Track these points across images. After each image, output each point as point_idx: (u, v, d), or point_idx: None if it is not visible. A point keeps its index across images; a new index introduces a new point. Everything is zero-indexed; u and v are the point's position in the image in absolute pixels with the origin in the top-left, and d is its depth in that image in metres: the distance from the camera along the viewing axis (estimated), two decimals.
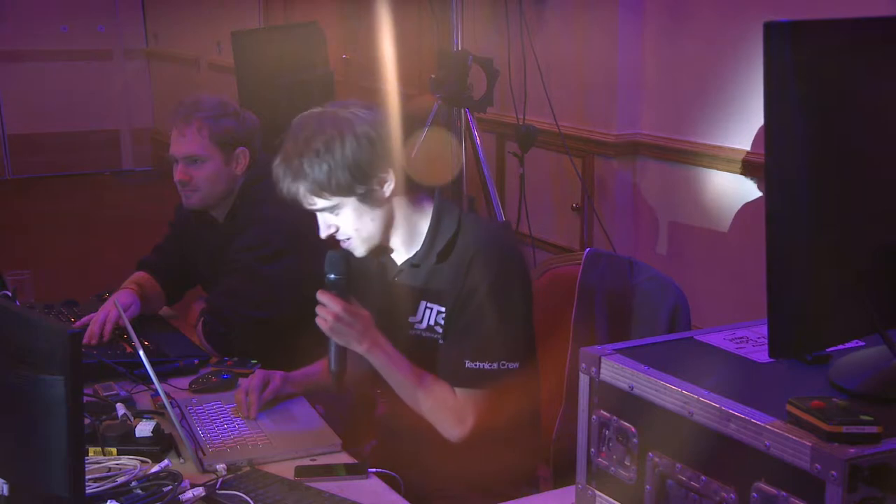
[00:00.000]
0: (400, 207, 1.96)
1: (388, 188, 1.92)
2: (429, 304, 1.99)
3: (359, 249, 1.98)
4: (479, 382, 1.91)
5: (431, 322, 1.99)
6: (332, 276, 1.97)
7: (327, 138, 1.87)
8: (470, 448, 1.95)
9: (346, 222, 1.94)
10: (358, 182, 1.88)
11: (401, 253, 2.03)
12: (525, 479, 2.08)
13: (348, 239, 1.97)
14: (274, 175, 1.95)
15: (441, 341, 1.97)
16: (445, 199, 2.02)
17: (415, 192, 1.98)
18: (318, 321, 1.92)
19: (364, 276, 2.09)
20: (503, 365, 1.91)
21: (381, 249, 2.02)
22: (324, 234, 1.97)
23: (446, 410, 1.92)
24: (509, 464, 2.01)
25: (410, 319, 2.01)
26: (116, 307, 2.46)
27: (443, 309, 1.97)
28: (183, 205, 2.66)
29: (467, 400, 1.92)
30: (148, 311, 2.67)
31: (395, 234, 1.99)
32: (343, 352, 1.96)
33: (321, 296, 1.92)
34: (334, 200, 1.91)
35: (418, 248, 1.99)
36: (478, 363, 1.90)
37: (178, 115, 2.56)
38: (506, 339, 1.92)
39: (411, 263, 2.01)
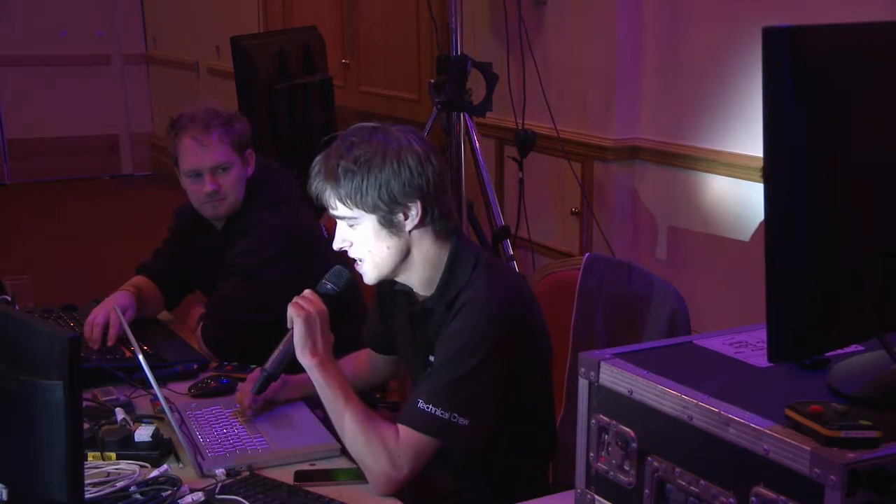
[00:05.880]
0: (420, 246, 1.91)
1: (412, 222, 1.87)
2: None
3: (369, 275, 1.93)
4: (425, 426, 1.81)
5: None
6: (330, 286, 1.99)
7: (370, 151, 1.84)
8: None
9: (362, 240, 1.89)
10: (383, 203, 1.84)
11: (420, 294, 1.98)
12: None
13: (360, 260, 1.92)
14: (310, 169, 1.91)
15: None
16: (465, 245, 1.95)
17: (440, 235, 1.92)
18: (293, 307, 1.90)
19: (394, 306, 2.08)
20: (454, 417, 1.80)
21: (392, 284, 1.99)
22: (337, 245, 1.93)
23: (384, 449, 1.80)
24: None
25: (431, 359, 1.93)
26: (116, 312, 2.46)
27: None
28: (210, 216, 2.64)
29: (408, 442, 1.81)
30: (145, 315, 2.67)
31: (412, 272, 1.94)
32: (287, 359, 1.97)
33: (310, 293, 1.93)
34: (355, 212, 1.86)
35: (433, 292, 1.95)
36: (430, 406, 1.80)
37: (194, 126, 2.54)
38: (464, 392, 1.81)
39: (423, 308, 1.97)
